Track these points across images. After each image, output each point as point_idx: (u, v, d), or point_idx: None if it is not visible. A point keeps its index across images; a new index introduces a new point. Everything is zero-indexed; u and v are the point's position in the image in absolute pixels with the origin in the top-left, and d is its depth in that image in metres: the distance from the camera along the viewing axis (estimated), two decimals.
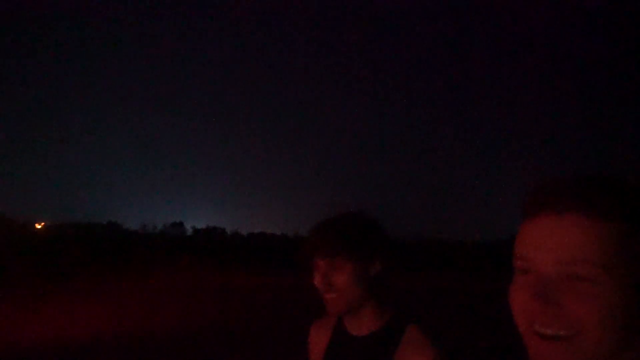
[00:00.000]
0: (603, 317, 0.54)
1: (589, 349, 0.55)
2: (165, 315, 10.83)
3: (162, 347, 7.57)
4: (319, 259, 1.21)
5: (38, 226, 29.76)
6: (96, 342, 7.82)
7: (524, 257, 0.60)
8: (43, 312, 10.92)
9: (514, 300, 0.60)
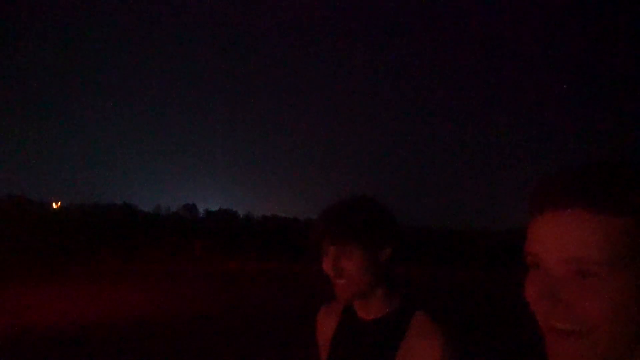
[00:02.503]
0: (614, 313, 0.53)
1: (604, 344, 0.54)
2: (177, 299, 11.01)
3: (173, 330, 7.70)
4: (328, 244, 1.21)
5: (55, 206, 30.30)
6: (109, 322, 7.99)
7: (532, 253, 0.59)
8: (59, 291, 11.17)
9: (528, 295, 0.60)
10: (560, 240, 0.56)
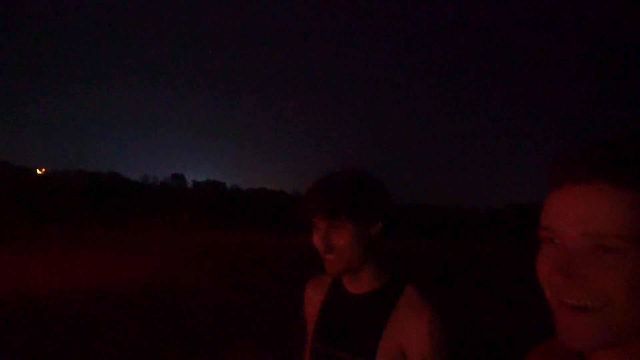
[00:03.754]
0: (632, 287, 0.52)
1: (617, 319, 0.53)
2: (161, 268, 11.04)
3: (158, 299, 7.75)
4: (319, 218, 1.18)
5: (39, 172, 29.92)
6: (94, 290, 8.00)
7: (549, 227, 0.58)
8: (43, 259, 11.12)
9: (539, 271, 0.59)
10: (581, 214, 0.54)
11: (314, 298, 1.36)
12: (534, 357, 0.72)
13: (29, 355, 4.72)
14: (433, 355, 1.08)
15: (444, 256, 16.95)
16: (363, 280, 1.22)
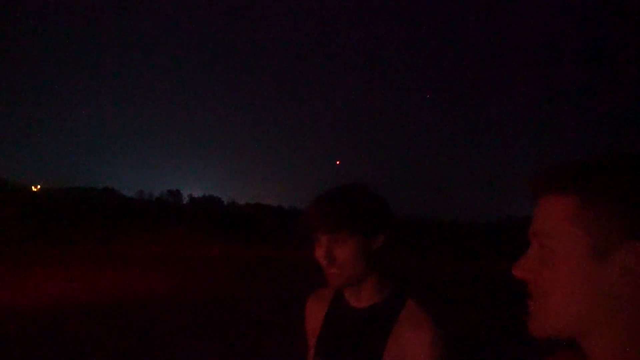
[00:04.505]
0: (562, 282, 0.61)
1: (555, 311, 0.62)
2: (157, 283, 10.96)
3: (152, 314, 7.68)
4: (321, 232, 1.19)
5: (34, 189, 29.81)
6: (87, 306, 7.92)
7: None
8: (38, 274, 11.02)
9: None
10: (534, 219, 0.67)
11: (315, 312, 1.36)
12: None
13: None
14: None
15: (441, 270, 16.91)
16: (365, 293, 1.23)
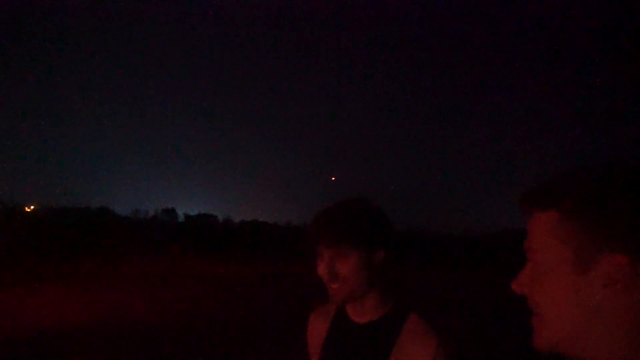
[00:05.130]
0: (549, 296, 0.63)
1: (549, 325, 0.64)
2: (155, 302, 10.85)
3: (149, 333, 7.58)
4: (323, 247, 1.20)
5: (28, 209, 29.56)
6: (85, 328, 7.82)
7: None
8: (32, 297, 10.88)
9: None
10: (529, 234, 0.68)
11: (317, 328, 1.36)
12: None
13: None
14: None
15: (443, 283, 16.82)
16: (367, 308, 1.23)
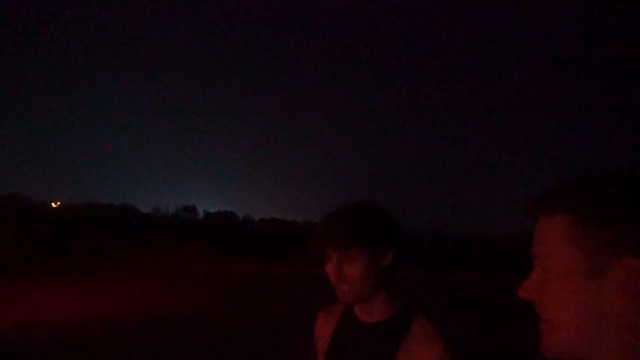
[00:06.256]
0: (561, 302, 0.62)
1: (559, 331, 0.62)
2: (175, 300, 10.99)
3: (172, 331, 7.69)
4: (331, 250, 1.21)
5: (54, 205, 30.26)
6: (105, 323, 7.98)
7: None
8: (58, 291, 11.15)
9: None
10: (536, 240, 0.67)
11: (325, 328, 1.38)
12: None
13: None
14: None
15: (453, 286, 16.64)
16: (375, 309, 1.25)
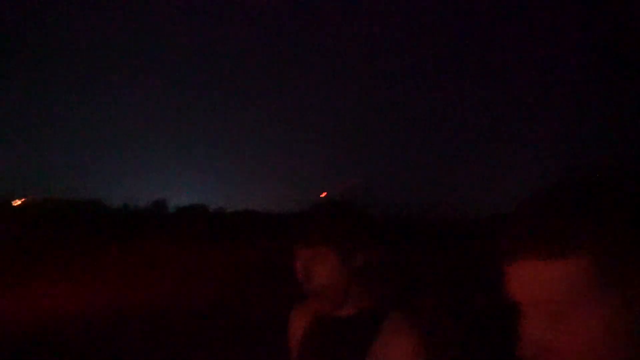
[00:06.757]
0: (587, 348, 0.56)
1: None
2: (143, 294, 10.85)
3: (137, 325, 7.59)
4: (299, 248, 1.18)
5: (14, 204, 29.24)
6: (74, 320, 7.81)
7: (509, 299, 0.63)
8: (21, 291, 10.83)
9: (516, 343, 0.64)
10: (527, 286, 0.59)
11: (299, 320, 1.36)
12: None
13: None
14: None
15: (431, 269, 16.91)
16: (349, 302, 1.23)
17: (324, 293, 1.18)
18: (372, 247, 1.23)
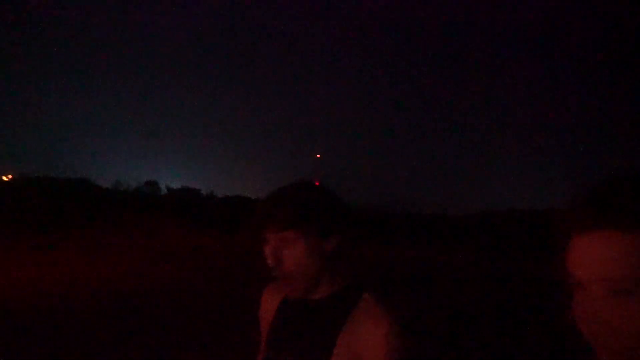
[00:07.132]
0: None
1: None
2: (132, 274, 10.83)
3: (128, 307, 7.59)
4: (269, 232, 1.16)
5: (5, 178, 28.95)
6: (62, 299, 7.79)
7: (574, 275, 0.61)
8: (8, 267, 10.76)
9: (575, 316, 0.62)
10: (595, 262, 0.57)
11: (270, 301, 1.35)
12: None
13: None
14: None
15: (414, 263, 17.05)
16: (320, 285, 1.22)
17: (294, 278, 1.16)
18: (344, 231, 1.19)
